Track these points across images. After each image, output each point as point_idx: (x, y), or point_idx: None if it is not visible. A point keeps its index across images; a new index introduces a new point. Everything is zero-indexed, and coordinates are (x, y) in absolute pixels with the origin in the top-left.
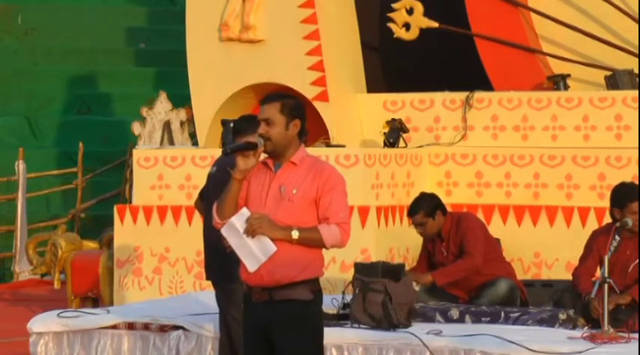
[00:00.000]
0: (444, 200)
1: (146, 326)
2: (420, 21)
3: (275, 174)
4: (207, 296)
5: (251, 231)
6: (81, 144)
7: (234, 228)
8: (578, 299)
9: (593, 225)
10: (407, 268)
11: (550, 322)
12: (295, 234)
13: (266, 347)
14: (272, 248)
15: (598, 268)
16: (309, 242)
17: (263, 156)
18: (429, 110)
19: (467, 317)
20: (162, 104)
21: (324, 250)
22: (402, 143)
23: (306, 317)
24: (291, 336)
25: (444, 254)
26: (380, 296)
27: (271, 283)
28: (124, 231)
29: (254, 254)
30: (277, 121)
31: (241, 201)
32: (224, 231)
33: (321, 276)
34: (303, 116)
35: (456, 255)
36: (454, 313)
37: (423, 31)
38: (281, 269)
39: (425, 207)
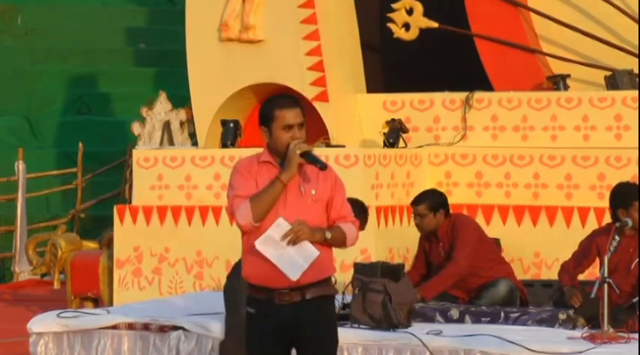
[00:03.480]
0: None
1: (146, 327)
2: (420, 21)
3: None
4: (207, 296)
5: (294, 239)
6: (81, 145)
7: (271, 240)
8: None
9: (593, 225)
10: (407, 268)
11: (550, 322)
12: (328, 235)
13: (287, 350)
14: (314, 252)
15: (591, 267)
16: (336, 241)
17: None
18: (428, 110)
19: (467, 317)
20: (162, 104)
21: None
22: (401, 143)
23: (333, 312)
24: (323, 329)
25: (441, 255)
26: (380, 296)
27: (303, 283)
28: (124, 231)
29: (295, 261)
30: (305, 125)
31: None
32: (259, 245)
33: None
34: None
35: None
36: (454, 313)
37: (423, 31)
38: (311, 269)
39: (430, 200)
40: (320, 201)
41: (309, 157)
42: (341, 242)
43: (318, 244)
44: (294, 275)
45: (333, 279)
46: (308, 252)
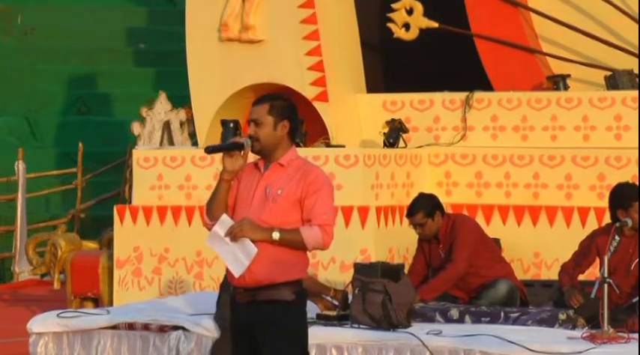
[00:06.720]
0: (444, 200)
1: (146, 327)
2: (420, 21)
3: (262, 175)
4: (207, 296)
5: (232, 235)
6: (81, 145)
7: (217, 236)
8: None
9: (593, 225)
10: (406, 269)
11: (550, 322)
12: (276, 235)
13: (251, 348)
14: (253, 249)
15: (591, 267)
16: (289, 243)
17: (253, 157)
18: (428, 110)
19: (467, 317)
20: (162, 104)
21: (319, 251)
22: (401, 143)
23: (288, 318)
24: (273, 337)
25: (441, 256)
26: (380, 296)
27: (253, 284)
28: (124, 231)
29: (238, 258)
30: (265, 122)
31: (231, 201)
32: (209, 242)
33: (304, 278)
34: (293, 117)
35: None
36: (454, 313)
37: (423, 31)
38: (263, 270)
39: (425, 207)
40: (285, 202)
41: (213, 149)
42: (297, 244)
43: (273, 244)
44: (236, 272)
45: (300, 285)
46: (248, 249)
